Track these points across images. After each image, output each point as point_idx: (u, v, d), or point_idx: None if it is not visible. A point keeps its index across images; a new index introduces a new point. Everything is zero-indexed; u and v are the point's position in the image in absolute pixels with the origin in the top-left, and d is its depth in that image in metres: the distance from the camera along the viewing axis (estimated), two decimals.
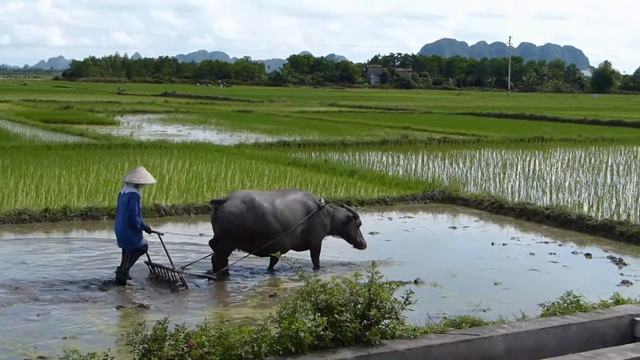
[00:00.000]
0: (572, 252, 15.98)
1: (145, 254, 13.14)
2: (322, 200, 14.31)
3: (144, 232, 13.04)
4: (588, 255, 15.70)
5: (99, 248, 15.13)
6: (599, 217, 18.78)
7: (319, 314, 7.82)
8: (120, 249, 13.05)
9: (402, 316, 8.27)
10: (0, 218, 17.20)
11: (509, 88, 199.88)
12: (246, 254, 13.76)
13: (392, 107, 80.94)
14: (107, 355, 7.30)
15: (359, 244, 14.71)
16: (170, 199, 19.78)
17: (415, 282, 13.16)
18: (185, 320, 8.92)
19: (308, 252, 14.25)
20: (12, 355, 9.36)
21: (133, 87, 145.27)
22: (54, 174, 22.81)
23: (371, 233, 16.62)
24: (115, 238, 13.25)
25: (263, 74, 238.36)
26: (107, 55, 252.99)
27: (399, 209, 20.54)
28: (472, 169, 28.72)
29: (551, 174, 27.64)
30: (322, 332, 7.68)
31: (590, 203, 21.24)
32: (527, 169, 29.17)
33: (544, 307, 9.71)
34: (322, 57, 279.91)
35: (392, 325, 8.12)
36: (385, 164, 29.68)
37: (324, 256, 14.32)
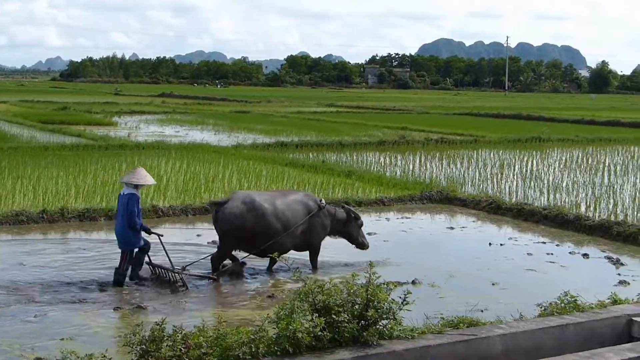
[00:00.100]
0: (570, 252, 16.00)
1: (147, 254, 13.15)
2: (323, 201, 14.32)
3: (143, 232, 13.05)
4: (585, 255, 15.72)
5: (97, 249, 15.13)
6: (597, 217, 18.80)
7: (317, 315, 7.83)
8: (119, 250, 13.05)
9: (400, 316, 8.27)
10: None
11: (506, 88, 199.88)
12: (246, 255, 13.79)
13: (390, 107, 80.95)
14: (104, 356, 7.30)
15: (361, 244, 14.72)
16: (167, 200, 19.77)
17: (413, 282, 13.16)
18: (183, 321, 8.92)
19: (306, 252, 14.26)
20: (9, 356, 9.36)
21: (130, 88, 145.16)
22: (52, 175, 22.80)
23: (369, 234, 16.58)
24: (115, 239, 13.25)
25: (260, 74, 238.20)
26: (104, 56, 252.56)
27: (397, 210, 20.55)
28: (470, 169, 28.73)
29: (549, 174, 27.66)
30: (319, 333, 7.68)
31: (588, 203, 21.26)
32: (524, 169, 29.18)
33: (541, 307, 9.72)
34: (320, 57, 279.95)
35: (389, 325, 8.12)
36: (382, 164, 29.69)
37: (321, 256, 14.32)
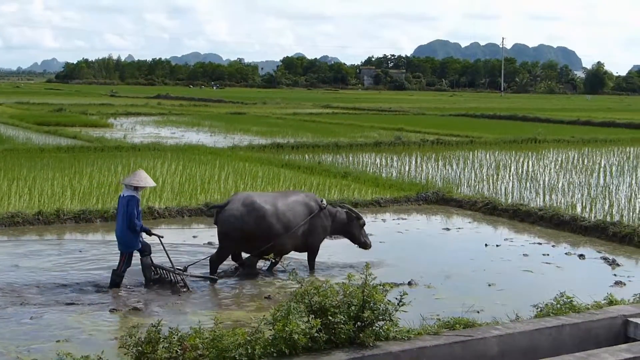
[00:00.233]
0: (566, 253, 16.01)
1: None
2: (324, 201, 14.33)
3: (144, 234, 13.06)
4: (581, 256, 15.73)
5: (92, 251, 15.11)
6: (592, 218, 18.81)
7: (313, 316, 7.83)
8: (116, 251, 13.05)
9: (396, 318, 8.27)
10: None
11: (502, 89, 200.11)
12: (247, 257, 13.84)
13: (386, 108, 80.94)
14: (100, 358, 7.30)
15: (364, 244, 14.73)
16: (163, 202, 19.76)
17: (409, 283, 13.17)
18: (179, 323, 8.92)
19: (304, 253, 14.27)
20: (5, 358, 9.35)
21: (126, 90, 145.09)
22: (47, 177, 22.78)
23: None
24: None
25: (256, 75, 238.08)
26: (100, 58, 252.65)
27: (393, 211, 20.56)
28: (466, 170, 28.74)
29: (544, 175, 27.68)
30: (315, 334, 7.68)
31: (584, 204, 21.28)
32: (520, 170, 29.20)
33: (537, 308, 9.72)
34: (316, 58, 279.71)
35: (386, 326, 8.12)
36: (378, 165, 29.70)
37: (318, 257, 14.31)
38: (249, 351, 7.42)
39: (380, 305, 8.12)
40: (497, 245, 16.63)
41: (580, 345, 8.96)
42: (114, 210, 18.07)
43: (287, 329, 7.52)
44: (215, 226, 13.66)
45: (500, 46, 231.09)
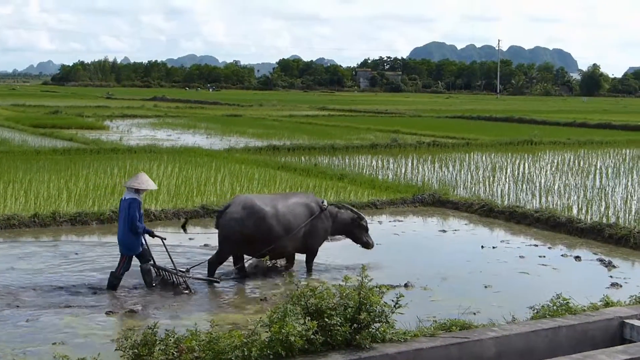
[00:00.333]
0: (562, 255, 16.02)
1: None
2: (325, 202, 14.34)
3: (147, 235, 13.07)
4: (577, 258, 15.74)
5: (88, 253, 15.08)
6: (588, 219, 18.82)
7: (309, 318, 7.83)
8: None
9: (393, 320, 8.28)
10: None
11: (498, 91, 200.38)
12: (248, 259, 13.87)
13: (382, 110, 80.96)
14: None
15: (366, 244, 14.79)
16: (159, 204, 19.74)
17: (406, 285, 13.17)
18: (176, 325, 8.92)
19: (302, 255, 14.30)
20: None
21: (122, 92, 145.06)
22: (43, 179, 22.75)
23: None
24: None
25: (252, 78, 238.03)
26: (96, 60, 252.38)
27: (389, 213, 20.55)
28: (462, 172, 28.75)
29: (540, 177, 27.70)
30: (312, 336, 7.68)
31: (580, 206, 21.30)
32: (516, 172, 29.22)
33: (534, 310, 9.74)
34: (312, 60, 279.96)
35: (382, 328, 8.13)
36: (375, 167, 29.70)
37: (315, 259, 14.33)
38: (246, 353, 7.42)
39: (376, 307, 8.12)
40: (493, 247, 16.64)
41: (576, 346, 8.97)
42: (110, 212, 18.13)
43: (283, 331, 7.52)
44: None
45: (496, 48, 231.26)
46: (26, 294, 12.21)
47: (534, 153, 36.80)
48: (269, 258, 14.02)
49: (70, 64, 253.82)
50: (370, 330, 8.05)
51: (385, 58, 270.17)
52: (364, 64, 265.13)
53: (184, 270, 13.18)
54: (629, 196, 23.07)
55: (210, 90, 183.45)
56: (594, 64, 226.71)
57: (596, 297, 10.65)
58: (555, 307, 9.64)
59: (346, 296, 8.15)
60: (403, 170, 28.86)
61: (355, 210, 15.02)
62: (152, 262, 13.31)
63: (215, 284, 13.17)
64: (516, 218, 19.45)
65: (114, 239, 16.39)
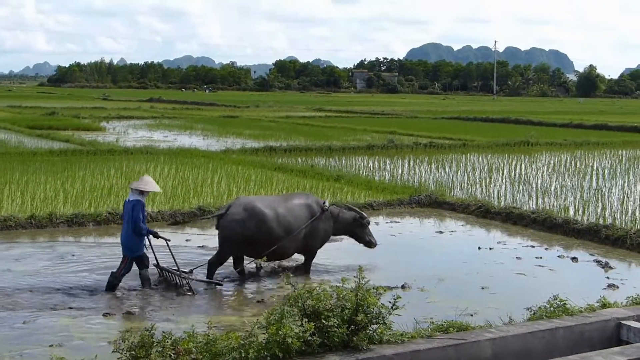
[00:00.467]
0: (559, 256, 16.03)
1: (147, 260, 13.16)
2: (327, 203, 14.35)
3: (152, 237, 13.08)
4: (574, 259, 15.75)
5: (85, 254, 15.07)
6: (585, 220, 18.83)
7: (307, 320, 7.82)
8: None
9: (390, 321, 8.27)
10: None
11: (494, 92, 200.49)
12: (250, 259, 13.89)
13: (378, 111, 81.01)
14: None
15: (369, 243, 14.84)
16: (156, 205, 19.72)
17: (403, 287, 13.17)
18: (173, 327, 8.91)
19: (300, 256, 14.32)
20: None
21: (119, 93, 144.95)
22: (40, 181, 22.73)
23: None
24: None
25: (249, 79, 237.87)
26: (92, 61, 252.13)
27: (386, 214, 20.55)
28: (459, 173, 28.77)
29: (537, 178, 27.72)
30: (309, 338, 7.68)
31: (576, 207, 21.31)
32: (513, 173, 29.23)
33: (530, 311, 9.74)
34: (308, 62, 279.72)
35: (379, 330, 8.12)
36: (371, 168, 29.71)
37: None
38: (243, 355, 7.42)
39: (373, 308, 8.12)
40: (490, 249, 16.64)
41: (573, 348, 8.97)
42: (107, 213, 18.11)
43: (280, 332, 7.52)
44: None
45: (493, 49, 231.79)
46: (23, 295, 12.20)
47: (531, 154, 36.83)
48: (268, 259, 14.01)
49: (67, 66, 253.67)
50: (367, 331, 8.04)
51: (382, 59, 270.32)
52: (361, 65, 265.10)
53: (187, 271, 13.21)
54: (625, 197, 23.11)
55: (207, 91, 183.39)
56: (590, 65, 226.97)
57: (593, 298, 10.66)
58: (552, 309, 9.64)
59: (343, 298, 8.15)
60: (400, 171, 28.86)
61: (357, 209, 15.04)
62: (155, 262, 13.35)
63: (218, 286, 13.17)
64: (513, 219, 19.46)
65: (110, 240, 16.46)
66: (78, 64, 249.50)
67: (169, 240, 13.22)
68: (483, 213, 20.26)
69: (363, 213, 14.94)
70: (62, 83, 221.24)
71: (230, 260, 13.90)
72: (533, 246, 17.00)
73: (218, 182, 23.70)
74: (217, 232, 13.81)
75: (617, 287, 13.51)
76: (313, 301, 8.04)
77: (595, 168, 30.86)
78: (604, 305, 10.12)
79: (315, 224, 13.95)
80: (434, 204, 21.74)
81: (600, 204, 21.69)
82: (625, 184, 26.44)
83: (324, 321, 7.88)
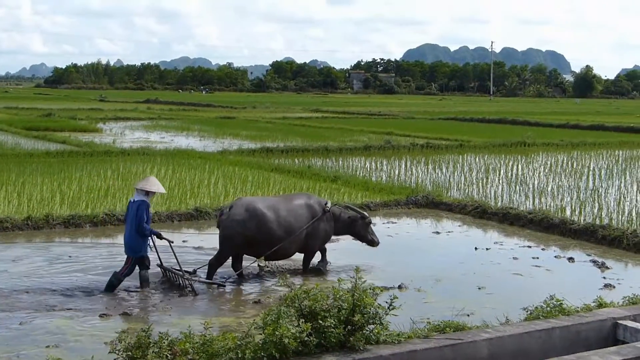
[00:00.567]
0: (555, 256, 16.04)
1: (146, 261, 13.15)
2: (329, 204, 14.36)
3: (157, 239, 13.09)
4: (571, 259, 15.76)
5: (82, 256, 15.05)
6: (582, 221, 18.85)
7: (303, 320, 7.82)
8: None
9: (386, 321, 8.28)
10: None
11: (491, 93, 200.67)
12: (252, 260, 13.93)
13: (375, 112, 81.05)
14: None
15: (371, 242, 14.85)
16: (153, 206, 19.64)
17: (399, 287, 13.17)
18: (169, 328, 8.90)
19: (299, 256, 14.33)
20: None
21: (115, 94, 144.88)
22: (36, 182, 22.71)
23: (354, 239, 16.59)
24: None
25: (246, 80, 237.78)
26: (89, 62, 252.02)
27: (383, 215, 20.56)
28: (455, 174, 28.78)
29: (534, 179, 27.73)
30: (306, 338, 7.68)
31: (573, 207, 21.33)
32: (509, 173, 29.26)
33: (527, 311, 9.74)
34: (305, 62, 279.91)
35: (376, 330, 8.13)
36: (368, 169, 29.71)
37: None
38: (239, 355, 7.41)
39: (370, 309, 8.12)
40: (486, 249, 16.65)
41: (570, 348, 8.98)
42: (104, 215, 18.10)
43: (277, 333, 7.51)
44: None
45: (489, 50, 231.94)
46: (19, 296, 12.19)
47: (527, 154, 36.86)
48: (269, 259, 14.05)
49: (63, 67, 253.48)
50: (364, 332, 8.04)
51: (379, 60, 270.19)
52: (357, 65, 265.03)
53: (190, 271, 13.23)
54: (621, 197, 23.12)
55: (204, 92, 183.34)
56: (587, 66, 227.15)
57: (589, 298, 10.67)
58: (548, 309, 9.65)
59: (340, 298, 8.15)
60: (397, 172, 28.87)
61: (359, 209, 15.06)
62: (159, 263, 13.36)
63: (221, 287, 13.18)
64: (509, 219, 19.47)
65: (107, 241, 16.45)
66: (75, 65, 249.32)
67: (172, 242, 13.23)
68: (480, 213, 20.27)
69: (364, 213, 14.95)
70: (59, 84, 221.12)
71: (230, 260, 13.90)
72: (530, 246, 17.01)
73: (215, 183, 23.70)
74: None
75: (614, 287, 13.52)
76: (310, 301, 8.04)
77: (591, 168, 30.90)
78: (601, 305, 10.13)
79: (316, 225, 13.97)
80: (430, 204, 21.74)
81: (596, 205, 21.71)
82: (622, 185, 26.46)
83: (320, 321, 7.88)
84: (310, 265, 14.42)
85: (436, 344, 8.32)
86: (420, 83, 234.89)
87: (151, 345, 7.38)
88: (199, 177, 24.79)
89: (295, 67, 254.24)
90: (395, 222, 19.66)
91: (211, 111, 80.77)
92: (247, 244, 13.43)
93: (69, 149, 33.49)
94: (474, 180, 26.86)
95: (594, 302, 10.22)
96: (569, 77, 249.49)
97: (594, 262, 15.46)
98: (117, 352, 7.42)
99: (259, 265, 14.25)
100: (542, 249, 16.72)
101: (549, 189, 25.01)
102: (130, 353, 7.35)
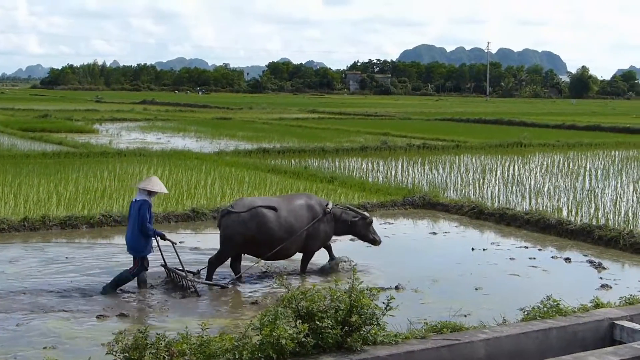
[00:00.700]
0: (552, 257, 16.05)
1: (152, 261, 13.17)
2: (330, 204, 14.36)
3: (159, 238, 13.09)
4: (567, 259, 15.77)
5: (79, 257, 15.04)
6: (578, 221, 18.86)
7: (300, 321, 7.82)
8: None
9: (384, 322, 8.28)
10: None
11: (487, 93, 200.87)
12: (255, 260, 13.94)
13: (372, 113, 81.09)
14: None
15: (373, 241, 14.86)
16: None
17: (396, 288, 13.17)
18: (166, 329, 8.90)
19: (298, 257, 14.35)
20: None
21: (112, 95, 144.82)
22: (33, 183, 22.69)
23: (352, 239, 16.60)
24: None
25: (242, 81, 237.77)
26: (85, 63, 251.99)
27: (379, 215, 20.54)
28: (452, 174, 28.80)
29: (530, 179, 27.75)
30: (303, 339, 7.68)
31: (569, 208, 21.34)
32: (506, 174, 29.28)
33: (524, 312, 9.76)
34: (301, 63, 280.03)
35: (373, 331, 8.13)
36: (365, 170, 29.72)
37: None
38: (237, 356, 7.41)
39: (367, 309, 8.12)
40: (483, 249, 16.66)
41: (566, 348, 8.99)
42: (100, 216, 18.08)
43: (274, 334, 7.51)
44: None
45: (486, 51, 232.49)
46: (16, 298, 12.17)
47: (524, 155, 36.89)
48: (270, 259, 14.06)
49: (60, 68, 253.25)
50: (361, 332, 8.05)
51: (375, 61, 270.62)
52: (354, 66, 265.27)
53: (194, 272, 13.24)
54: (618, 198, 23.14)
55: (200, 93, 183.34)
56: (583, 66, 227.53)
57: (586, 298, 10.68)
58: (545, 309, 9.66)
59: (337, 299, 8.15)
60: (393, 173, 28.87)
61: (360, 210, 15.08)
62: (163, 263, 13.36)
63: (223, 288, 13.18)
64: (506, 220, 19.48)
65: (104, 242, 16.44)
66: (71, 66, 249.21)
67: (176, 243, 13.23)
68: (476, 214, 20.28)
69: (365, 213, 14.96)
70: (55, 85, 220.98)
71: (229, 260, 13.91)
72: (526, 247, 17.02)
73: (211, 184, 23.69)
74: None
75: (610, 288, 13.53)
76: (307, 302, 8.05)
77: (588, 169, 30.93)
78: (597, 305, 10.14)
79: (316, 225, 13.97)
80: (427, 205, 21.75)
81: (593, 205, 21.73)
82: (618, 185, 26.49)
83: (317, 322, 7.88)
84: (320, 265, 14.44)
85: (433, 345, 8.33)
86: (417, 84, 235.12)
87: (148, 346, 7.38)
88: (195, 178, 24.77)
89: (291, 68, 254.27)
90: (392, 223, 19.66)
91: (207, 112, 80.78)
92: (248, 243, 13.44)
93: (66, 150, 33.47)
94: (471, 181, 26.87)
95: (590, 302, 10.23)
96: (565, 78, 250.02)
97: (590, 262, 15.47)
98: (114, 353, 7.42)
99: (263, 266, 14.28)
100: (539, 250, 16.73)
101: (546, 189, 25.04)
102: (127, 354, 7.35)
